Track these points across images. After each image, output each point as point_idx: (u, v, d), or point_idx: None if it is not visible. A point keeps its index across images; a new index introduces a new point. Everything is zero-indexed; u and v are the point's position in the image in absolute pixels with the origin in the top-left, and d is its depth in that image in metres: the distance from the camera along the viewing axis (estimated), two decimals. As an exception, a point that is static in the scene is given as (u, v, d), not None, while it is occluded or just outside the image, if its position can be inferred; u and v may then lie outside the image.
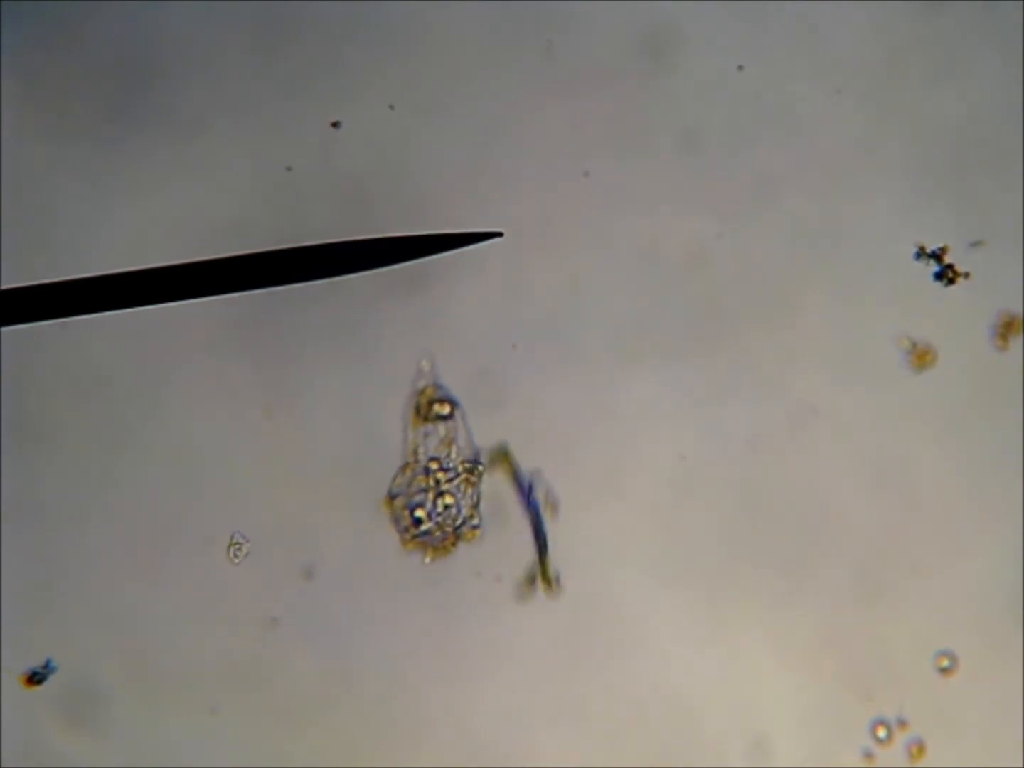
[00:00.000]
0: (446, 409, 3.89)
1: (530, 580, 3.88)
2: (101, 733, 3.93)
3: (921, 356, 3.89)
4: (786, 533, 3.95)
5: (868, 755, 3.95)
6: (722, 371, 3.94)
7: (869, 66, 3.96)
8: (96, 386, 3.93)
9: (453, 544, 3.91)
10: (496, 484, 3.89)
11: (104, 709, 3.92)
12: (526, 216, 3.92)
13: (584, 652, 3.95)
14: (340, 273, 3.74)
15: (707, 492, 3.95)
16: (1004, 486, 3.93)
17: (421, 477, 3.90)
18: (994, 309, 3.94)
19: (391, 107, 3.69)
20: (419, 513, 3.90)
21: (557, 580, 3.86)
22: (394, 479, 3.90)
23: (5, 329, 3.75)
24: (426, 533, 3.91)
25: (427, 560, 3.90)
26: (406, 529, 3.90)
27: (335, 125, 3.77)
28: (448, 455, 3.91)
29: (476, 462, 3.89)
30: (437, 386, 3.90)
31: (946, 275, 3.90)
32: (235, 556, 3.89)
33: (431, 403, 3.88)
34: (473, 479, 3.89)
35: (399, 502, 3.90)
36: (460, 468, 3.90)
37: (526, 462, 3.94)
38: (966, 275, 3.89)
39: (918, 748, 3.94)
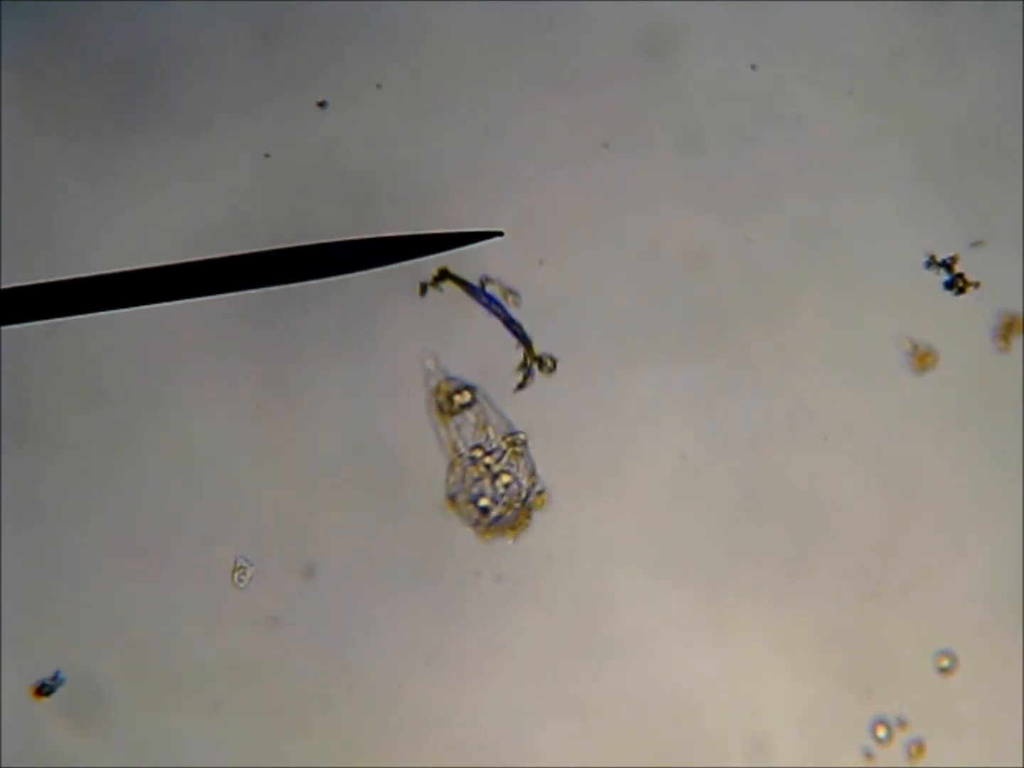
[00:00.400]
0: (466, 397, 3.90)
1: (522, 367, 3.86)
2: (101, 732, 3.93)
3: (922, 358, 3.89)
4: (786, 533, 3.95)
5: (868, 755, 3.95)
6: (723, 370, 3.95)
7: (869, 66, 3.96)
8: (96, 386, 3.93)
9: (527, 517, 3.91)
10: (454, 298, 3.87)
11: (104, 708, 3.92)
12: (526, 216, 3.92)
13: (584, 652, 3.95)
14: (340, 272, 3.74)
15: (707, 492, 3.95)
16: (1005, 486, 3.93)
17: (471, 468, 3.91)
18: (995, 310, 3.94)
19: (379, 86, 3.68)
20: (483, 502, 3.91)
21: (550, 358, 3.84)
22: (447, 480, 3.90)
23: (5, 329, 3.75)
24: (498, 518, 3.91)
25: (510, 541, 3.90)
26: (477, 522, 3.91)
27: (321, 105, 3.77)
28: (487, 437, 3.91)
29: (515, 432, 3.90)
30: (449, 379, 3.91)
31: (956, 284, 3.90)
32: (239, 580, 3.89)
33: (450, 396, 3.89)
34: (519, 449, 3.90)
35: (461, 499, 3.91)
36: (503, 445, 3.91)
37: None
38: (976, 284, 3.89)
39: (918, 748, 3.94)
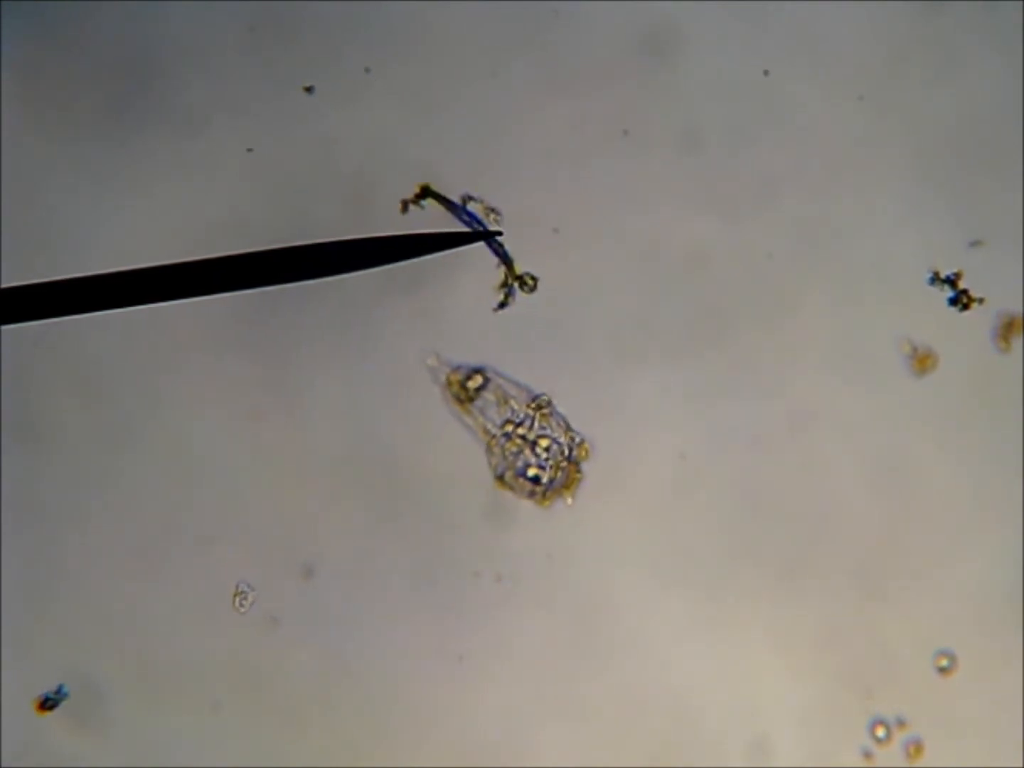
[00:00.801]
0: (478, 380, 3.90)
1: (503, 286, 3.85)
2: (101, 732, 3.93)
3: (922, 360, 3.89)
4: (786, 533, 3.95)
5: (867, 754, 3.95)
6: (723, 370, 3.95)
7: (869, 66, 3.96)
8: (95, 385, 3.93)
9: (577, 471, 3.91)
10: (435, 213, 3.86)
11: (104, 708, 3.92)
12: (526, 215, 3.92)
13: (584, 652, 3.95)
14: (340, 272, 3.74)
15: (707, 492, 3.95)
16: (1005, 486, 3.93)
17: (508, 444, 3.91)
18: (994, 310, 3.94)
19: (367, 69, 3.67)
20: (532, 472, 3.91)
21: (531, 277, 3.83)
22: (489, 463, 3.91)
23: (5, 328, 3.75)
24: (551, 482, 3.92)
25: (569, 502, 3.90)
26: (532, 492, 3.91)
27: (308, 90, 3.77)
28: (512, 410, 3.91)
29: (537, 396, 3.90)
30: (456, 369, 3.91)
31: (961, 300, 3.90)
32: (240, 605, 3.89)
33: (463, 385, 3.89)
34: (546, 411, 3.90)
35: (509, 476, 3.91)
36: (530, 411, 3.91)
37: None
38: (980, 300, 3.89)
39: (916, 748, 3.94)
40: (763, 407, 3.95)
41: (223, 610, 3.92)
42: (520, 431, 3.91)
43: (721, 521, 3.95)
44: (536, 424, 3.91)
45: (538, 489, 3.92)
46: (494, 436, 3.91)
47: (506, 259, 3.77)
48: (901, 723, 3.93)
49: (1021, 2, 3.95)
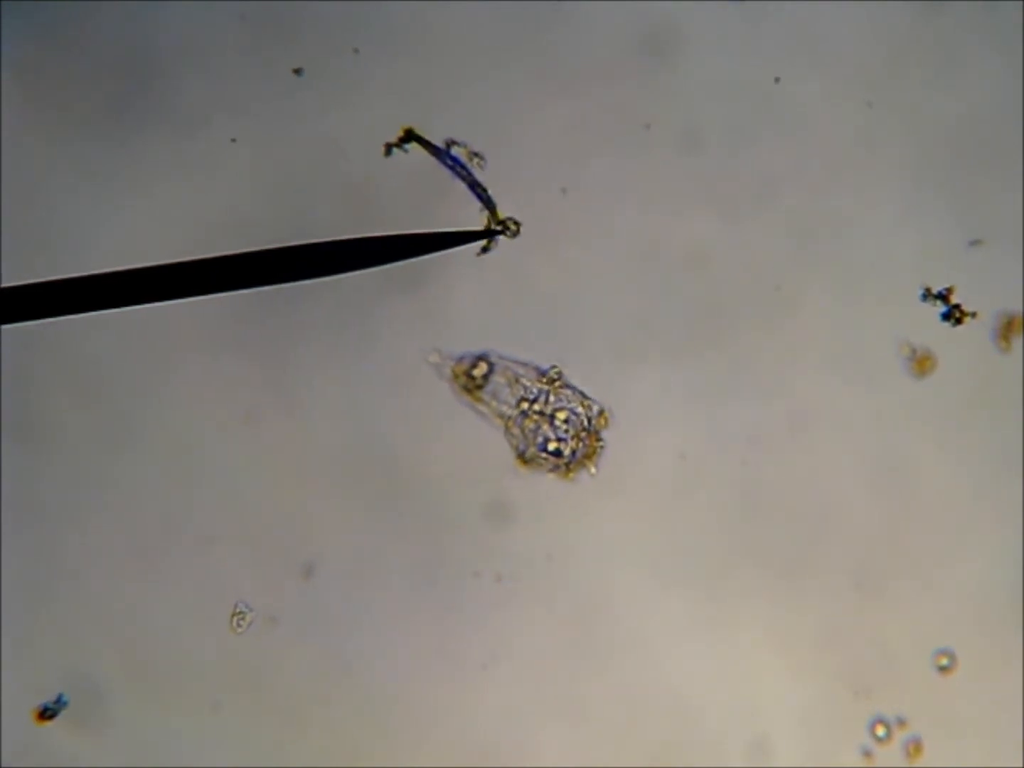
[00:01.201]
0: (484, 368, 3.90)
1: (487, 229, 3.85)
2: (101, 731, 3.93)
3: (922, 362, 3.89)
4: (786, 532, 3.94)
5: (867, 754, 3.95)
6: (723, 370, 3.94)
7: (869, 66, 3.96)
8: (95, 384, 3.93)
9: (598, 440, 3.90)
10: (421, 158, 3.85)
11: (103, 708, 3.92)
12: (527, 214, 3.92)
13: (584, 652, 3.95)
14: (340, 271, 3.74)
15: (707, 492, 3.95)
16: (1005, 486, 3.93)
17: (526, 422, 3.90)
18: (994, 310, 3.94)
19: (355, 53, 3.67)
20: (553, 446, 3.90)
21: (514, 222, 3.82)
22: (510, 444, 3.90)
23: (5, 328, 3.75)
24: (573, 453, 3.91)
25: (593, 471, 3.89)
26: (556, 466, 3.91)
27: (297, 72, 3.77)
28: (525, 388, 3.91)
29: (545, 371, 3.90)
30: (459, 360, 3.90)
31: (953, 315, 3.90)
32: (238, 626, 3.88)
33: (469, 375, 3.89)
34: (558, 383, 3.89)
35: (531, 453, 3.90)
36: (542, 386, 3.90)
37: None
38: (973, 315, 3.90)
39: (915, 747, 3.94)
40: (763, 407, 3.95)
41: (222, 611, 3.92)
42: (536, 407, 3.90)
43: (721, 521, 3.95)
44: (551, 398, 3.90)
45: (561, 462, 3.90)
46: (510, 417, 3.90)
47: (489, 204, 3.75)
48: (901, 722, 3.93)
49: (1021, 2, 3.95)
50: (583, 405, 3.89)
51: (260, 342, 3.92)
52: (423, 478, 3.95)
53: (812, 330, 3.96)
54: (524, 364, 3.89)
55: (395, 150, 3.80)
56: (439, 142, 3.79)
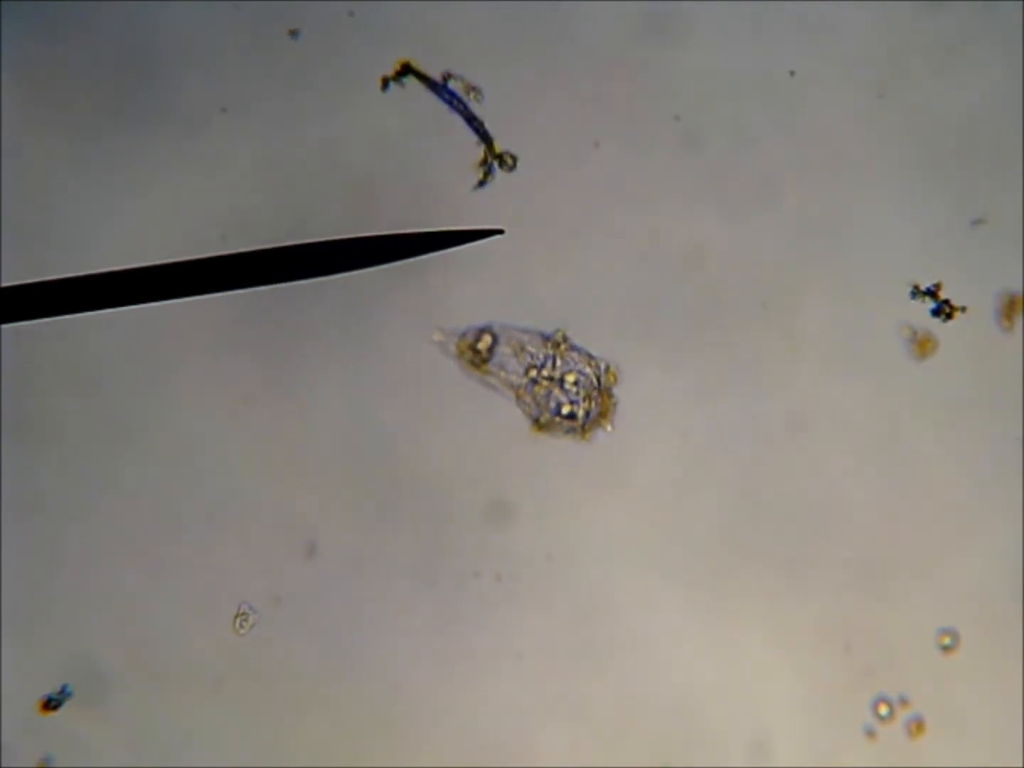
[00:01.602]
0: (488, 340, 3.89)
1: (483, 163, 3.83)
2: (103, 722, 3.92)
3: (923, 344, 3.89)
4: (786, 531, 3.94)
5: (870, 733, 3.94)
6: (724, 367, 3.94)
7: (869, 65, 3.97)
8: (95, 384, 3.93)
9: (609, 398, 3.90)
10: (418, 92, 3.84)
11: (105, 702, 3.92)
12: (527, 213, 3.92)
13: (584, 652, 3.95)
14: (342, 270, 3.74)
15: (707, 491, 3.95)
16: (1007, 475, 3.92)
17: (536, 388, 3.90)
18: (994, 291, 3.94)
19: (353, 16, 3.67)
20: (566, 409, 3.91)
21: (510, 156, 3.81)
22: (524, 412, 3.89)
23: (5, 328, 3.75)
24: (587, 414, 3.91)
25: (609, 429, 3.89)
26: (571, 429, 3.91)
27: (292, 33, 3.77)
28: (531, 354, 3.90)
29: (550, 335, 3.89)
30: (462, 336, 3.90)
31: (943, 311, 3.91)
32: (240, 627, 3.88)
33: (474, 349, 3.88)
34: (563, 346, 3.89)
35: (545, 419, 3.90)
36: (548, 351, 3.89)
37: (528, 461, 3.95)
38: (963, 309, 3.90)
39: (918, 726, 3.94)
40: (763, 406, 3.95)
41: (223, 613, 3.92)
42: (544, 373, 3.90)
43: (721, 520, 3.95)
44: (558, 362, 3.89)
45: (575, 424, 3.90)
46: (520, 386, 3.89)
47: (486, 137, 3.74)
48: (904, 702, 3.93)
49: (1021, 2, 3.95)
50: (590, 365, 3.89)
51: (260, 341, 3.92)
52: (423, 478, 3.95)
53: (812, 330, 3.96)
54: (528, 332, 3.89)
55: (392, 84, 3.79)
56: (436, 76, 3.78)
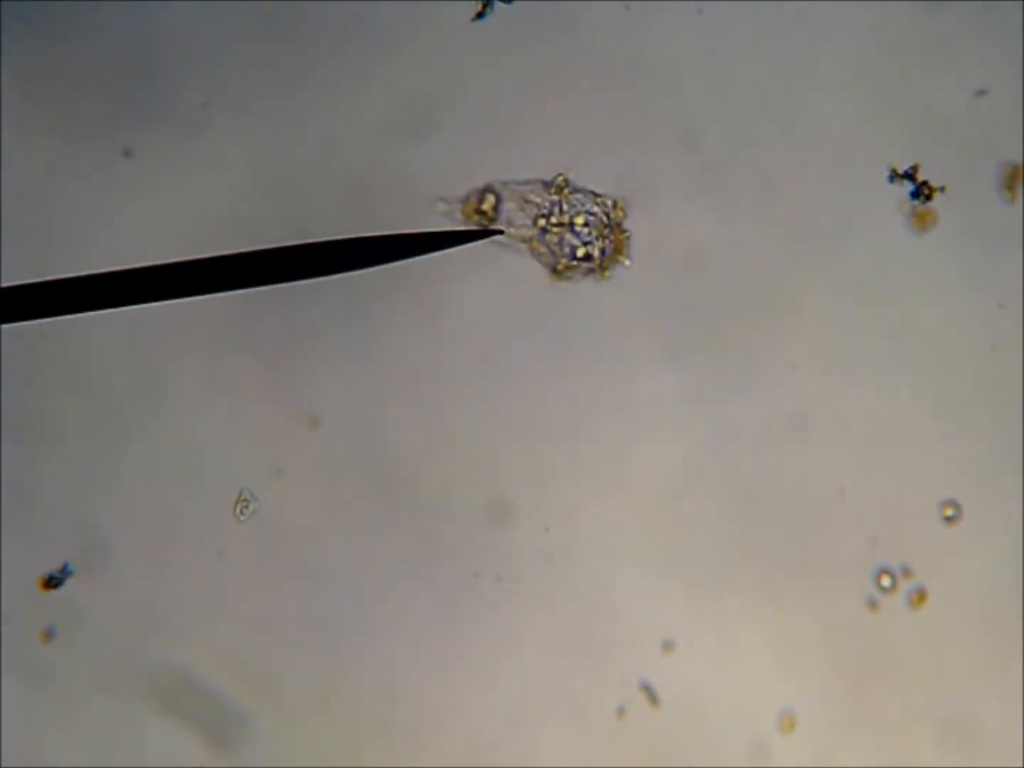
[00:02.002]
0: (492, 200, 3.87)
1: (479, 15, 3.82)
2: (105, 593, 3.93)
3: (922, 217, 3.88)
4: (786, 531, 3.95)
5: (872, 603, 3.93)
6: (725, 368, 3.95)
7: (869, 65, 3.97)
8: (96, 383, 3.93)
9: (622, 233, 3.88)
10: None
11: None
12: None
13: (584, 652, 3.95)
14: (341, 270, 3.74)
15: (707, 491, 3.95)
16: (1007, 479, 3.93)
17: (547, 236, 3.88)
18: (996, 160, 3.93)
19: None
20: (581, 251, 3.89)
21: None
22: (540, 262, 3.87)
23: (5, 328, 3.75)
24: (602, 252, 3.88)
25: (626, 262, 3.87)
26: (590, 269, 3.89)
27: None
28: (536, 203, 3.88)
29: (551, 183, 3.87)
30: (465, 200, 3.89)
31: (922, 192, 3.90)
32: (241, 513, 3.88)
33: (479, 210, 3.87)
34: (567, 191, 3.87)
35: (562, 265, 3.88)
36: (552, 197, 3.88)
37: (528, 459, 3.95)
38: (942, 189, 3.89)
39: (919, 596, 3.93)
40: (763, 407, 3.95)
41: (222, 609, 3.92)
42: (553, 220, 3.87)
43: (721, 520, 3.95)
44: (565, 206, 3.87)
45: (594, 263, 3.88)
46: (532, 238, 3.87)
47: None
48: (907, 572, 3.92)
49: (1021, 2, 3.95)
50: (597, 203, 3.87)
51: (259, 339, 3.92)
52: (424, 478, 3.95)
53: (812, 330, 3.96)
54: (528, 183, 3.86)
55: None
56: None
